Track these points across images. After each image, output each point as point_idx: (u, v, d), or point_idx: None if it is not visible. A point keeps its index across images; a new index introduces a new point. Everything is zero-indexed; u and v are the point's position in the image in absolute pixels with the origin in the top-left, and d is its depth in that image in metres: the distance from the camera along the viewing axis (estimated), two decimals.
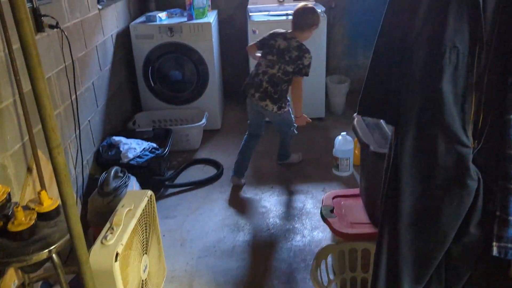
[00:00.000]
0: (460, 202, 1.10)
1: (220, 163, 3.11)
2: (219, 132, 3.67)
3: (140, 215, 1.74)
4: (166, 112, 3.55)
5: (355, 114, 1.99)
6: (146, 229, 1.81)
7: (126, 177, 2.32)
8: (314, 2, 3.83)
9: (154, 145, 2.82)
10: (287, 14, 3.54)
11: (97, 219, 2.19)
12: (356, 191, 2.08)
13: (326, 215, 1.89)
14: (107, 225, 1.66)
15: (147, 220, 1.82)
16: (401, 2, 1.08)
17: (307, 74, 2.77)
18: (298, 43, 2.74)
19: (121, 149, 2.70)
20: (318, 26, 2.82)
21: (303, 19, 2.73)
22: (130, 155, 2.64)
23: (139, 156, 2.67)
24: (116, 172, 2.31)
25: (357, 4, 4.08)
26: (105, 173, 2.30)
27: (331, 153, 3.10)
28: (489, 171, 1.09)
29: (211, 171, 3.05)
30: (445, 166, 1.09)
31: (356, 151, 2.96)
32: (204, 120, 3.33)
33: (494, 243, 1.10)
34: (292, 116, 2.89)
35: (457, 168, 1.08)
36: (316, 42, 3.53)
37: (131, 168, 2.60)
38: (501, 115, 1.03)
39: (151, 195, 1.89)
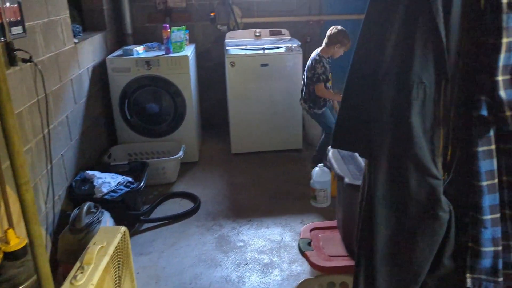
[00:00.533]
0: (433, 233, 1.11)
1: (197, 196, 3.07)
2: (197, 164, 3.64)
3: (113, 252, 1.68)
4: (142, 145, 3.52)
5: (329, 147, 2.01)
6: (119, 267, 1.75)
7: (99, 212, 2.26)
8: (290, 38, 3.93)
9: (129, 179, 2.77)
10: (263, 48, 3.61)
11: (67, 257, 2.11)
12: (334, 223, 2.08)
13: (304, 248, 1.87)
14: (77, 264, 1.60)
15: (120, 258, 1.76)
16: (370, 38, 1.11)
17: (319, 80, 3.30)
18: (316, 55, 3.35)
19: (95, 183, 2.64)
20: (344, 45, 3.30)
21: (329, 35, 3.30)
22: (104, 190, 2.59)
23: (113, 191, 2.62)
24: (89, 208, 2.25)
25: None
26: (77, 209, 2.24)
27: (308, 185, 3.11)
28: (461, 203, 1.11)
29: (188, 204, 3.00)
30: (417, 198, 1.10)
31: (333, 183, 2.98)
32: (181, 153, 3.31)
33: (468, 275, 1.11)
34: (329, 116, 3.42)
35: (429, 200, 1.09)
36: (293, 75, 3.61)
37: (105, 203, 2.53)
38: (468, 147, 1.05)
39: (124, 231, 1.83)
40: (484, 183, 1.04)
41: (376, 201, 1.15)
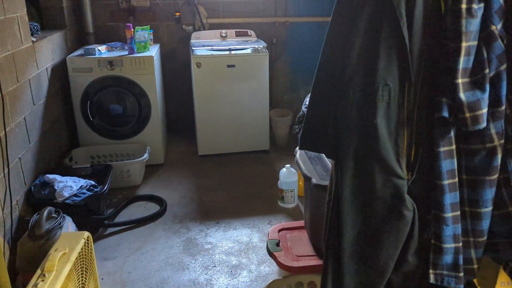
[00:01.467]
0: (398, 232, 1.13)
1: (163, 199, 3.02)
2: (162, 167, 3.59)
3: (76, 259, 1.63)
4: (105, 147, 3.43)
5: (297, 148, 2.03)
6: (82, 274, 1.69)
7: (60, 217, 2.18)
8: (256, 39, 3.94)
9: (92, 182, 2.69)
10: (230, 49, 3.60)
11: (27, 265, 2.02)
12: (301, 223, 2.09)
13: (272, 249, 1.87)
14: (38, 271, 1.53)
15: (83, 264, 1.70)
16: (336, 40, 1.13)
17: None
18: None
19: (56, 187, 2.54)
20: None
21: None
22: (66, 194, 2.50)
23: (75, 195, 2.53)
24: (49, 213, 2.17)
25: (297, 41, 4.25)
26: (37, 214, 2.15)
27: (276, 186, 3.12)
28: (423, 201, 1.14)
29: (154, 208, 2.95)
30: (383, 198, 1.12)
31: (300, 183, 3.00)
32: (146, 155, 3.24)
33: (431, 271, 1.14)
34: None
35: (393, 199, 1.12)
36: (259, 76, 3.62)
37: (67, 208, 2.45)
38: (431, 148, 1.09)
39: (88, 237, 1.78)
40: (446, 182, 1.08)
41: (343, 200, 1.16)
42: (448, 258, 1.12)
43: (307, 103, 3.64)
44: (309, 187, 1.84)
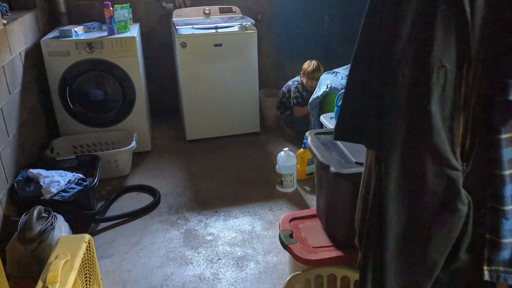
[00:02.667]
0: (451, 227, 1.04)
1: (155, 188, 2.86)
2: (150, 154, 3.41)
3: (80, 266, 1.48)
4: (88, 136, 3.21)
5: (307, 133, 1.91)
6: (86, 281, 1.54)
7: (52, 217, 2.00)
8: (241, 15, 3.75)
9: (81, 175, 2.50)
10: (216, 27, 3.41)
11: (19, 270, 1.86)
12: (312, 211, 2.00)
13: (286, 241, 1.77)
14: (40, 284, 1.38)
15: (87, 271, 1.56)
16: (379, 20, 1.00)
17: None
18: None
19: (42, 183, 2.35)
20: (304, 75, 3.52)
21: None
22: (54, 190, 2.31)
23: (64, 190, 2.35)
24: (39, 213, 1.98)
25: (282, 17, 4.08)
26: (26, 215, 1.97)
27: (271, 170, 3.02)
28: (477, 193, 1.05)
29: (146, 199, 2.79)
30: (435, 191, 1.02)
31: (299, 166, 2.90)
32: (134, 143, 3.06)
33: (485, 267, 1.06)
34: None
35: (447, 192, 1.02)
36: (248, 55, 3.45)
37: (56, 205, 2.27)
38: (489, 135, 0.99)
39: (89, 240, 1.62)
40: (507, 172, 0.99)
41: (388, 195, 1.06)
42: (506, 254, 1.04)
43: (291, 87, 3.56)
44: (324, 175, 1.73)
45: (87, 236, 1.62)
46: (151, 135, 3.64)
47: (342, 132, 1.13)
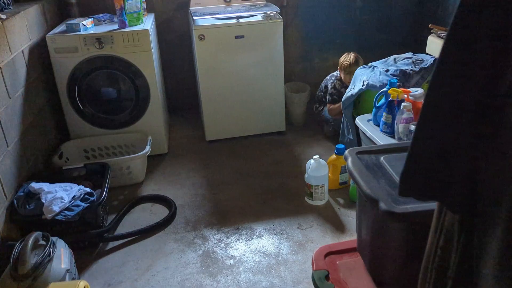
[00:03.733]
0: None
1: (171, 199, 2.59)
2: (166, 156, 3.14)
3: None
4: (100, 139, 2.96)
5: (346, 153, 1.57)
6: None
7: (50, 245, 1.76)
8: (265, 2, 3.40)
9: (88, 189, 2.25)
10: (237, 17, 3.07)
11: None
12: (351, 243, 1.68)
13: (322, 285, 1.47)
14: None
15: None
16: (472, 41, 0.66)
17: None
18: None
19: (43, 200, 2.11)
20: (341, 69, 3.15)
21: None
22: (56, 208, 2.07)
23: (68, 208, 2.10)
24: (36, 240, 1.74)
25: (308, 2, 3.69)
26: (20, 243, 1.73)
27: (299, 176, 2.71)
28: None
29: (161, 211, 2.53)
30: None
31: (330, 175, 2.58)
32: (148, 147, 2.79)
33: None
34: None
35: None
36: (273, 47, 3.11)
37: (58, 225, 2.04)
38: None
39: (85, 287, 1.36)
40: None
41: (483, 280, 0.73)
42: None
43: (328, 82, 3.22)
44: (370, 209, 1.41)
45: (81, 283, 1.35)
46: (168, 135, 3.37)
47: (413, 187, 0.80)
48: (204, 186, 2.77)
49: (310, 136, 3.34)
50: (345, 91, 3.08)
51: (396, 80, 2.38)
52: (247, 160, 3.06)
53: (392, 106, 2.30)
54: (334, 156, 2.60)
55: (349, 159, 1.51)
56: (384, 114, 2.34)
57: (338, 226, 2.32)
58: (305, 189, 2.54)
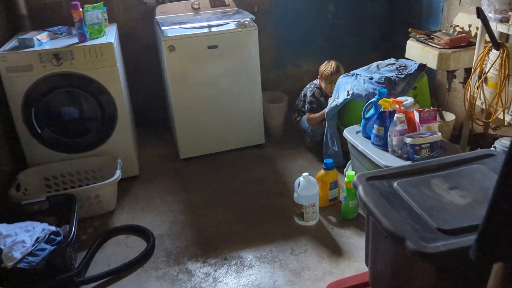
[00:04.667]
0: None
1: (147, 229, 2.35)
2: (138, 180, 2.89)
3: None
4: (63, 165, 2.67)
5: (358, 178, 1.40)
6: None
7: None
8: (237, 9, 3.21)
9: (53, 228, 1.98)
10: (209, 26, 2.86)
11: None
12: (362, 277, 1.51)
13: None
14: None
15: None
16: None
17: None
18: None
19: (1, 245, 1.82)
20: (322, 78, 2.97)
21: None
22: (17, 255, 1.78)
23: (31, 253, 1.82)
24: None
25: (280, 7, 3.54)
26: None
27: (285, 194, 2.56)
28: None
29: (138, 244, 2.28)
30: None
31: (320, 192, 2.41)
32: (118, 172, 2.53)
33: None
34: None
35: None
36: (248, 56, 2.93)
37: (21, 274, 1.75)
38: None
39: None
40: None
41: None
42: None
43: (307, 91, 3.06)
44: (391, 245, 1.24)
45: None
46: (138, 154, 3.11)
47: (493, 252, 0.63)
48: (183, 211, 2.54)
49: (291, 148, 3.18)
50: (325, 100, 2.95)
51: (385, 90, 2.25)
52: (227, 178, 2.85)
53: (384, 118, 2.16)
54: (322, 171, 2.44)
55: (360, 187, 1.34)
56: (376, 126, 2.20)
57: (334, 249, 2.15)
58: (294, 209, 2.36)
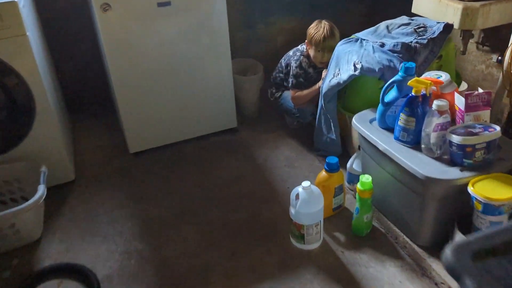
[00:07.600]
0: None
1: (89, 270, 1.67)
2: (74, 187, 2.16)
3: None
4: None
5: (452, 253, 0.79)
6: None
7: None
8: None
9: None
10: None
11: None
12: None
13: None
14: None
15: None
16: None
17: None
18: None
19: None
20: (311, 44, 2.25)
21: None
22: None
23: None
24: None
25: None
26: None
27: (272, 200, 1.98)
28: None
29: None
30: None
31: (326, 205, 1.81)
32: (42, 189, 1.79)
33: None
34: None
35: None
36: (211, 15, 2.20)
37: None
38: None
39: None
40: None
41: None
42: None
43: (291, 60, 2.37)
44: None
45: None
46: (73, 150, 2.36)
47: None
48: (138, 234, 1.87)
49: (271, 131, 2.54)
50: (314, 72, 2.29)
51: (414, 64, 1.62)
52: (194, 178, 2.19)
53: (416, 105, 1.55)
54: (324, 174, 1.83)
55: (467, 280, 0.73)
56: (402, 116, 1.59)
57: (350, 285, 1.59)
58: (291, 229, 1.76)
